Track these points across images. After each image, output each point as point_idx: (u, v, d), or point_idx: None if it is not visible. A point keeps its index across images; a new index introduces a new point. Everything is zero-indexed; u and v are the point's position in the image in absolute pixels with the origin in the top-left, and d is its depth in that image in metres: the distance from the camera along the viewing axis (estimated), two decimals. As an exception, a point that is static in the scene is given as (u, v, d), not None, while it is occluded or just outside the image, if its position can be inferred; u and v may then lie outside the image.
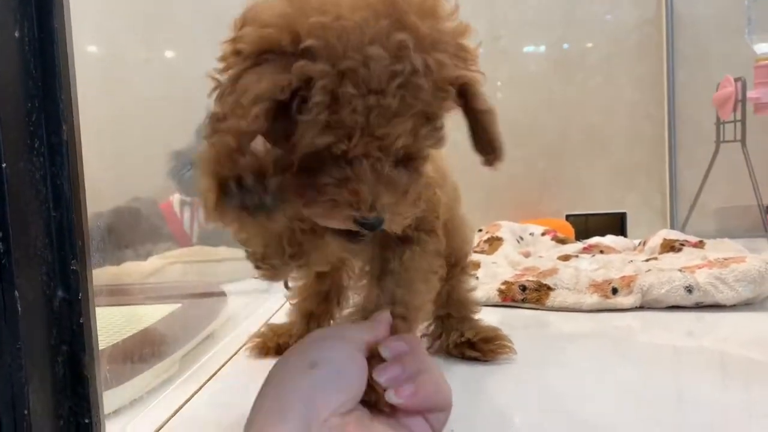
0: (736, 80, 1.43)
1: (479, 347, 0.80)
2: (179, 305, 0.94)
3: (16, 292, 0.47)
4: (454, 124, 1.69)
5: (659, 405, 0.67)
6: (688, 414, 0.65)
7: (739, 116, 1.45)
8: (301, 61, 0.42)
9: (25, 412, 0.48)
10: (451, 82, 0.46)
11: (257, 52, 0.44)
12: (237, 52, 0.45)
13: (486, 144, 0.51)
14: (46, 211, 0.52)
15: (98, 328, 0.78)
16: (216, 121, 0.44)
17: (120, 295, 1.10)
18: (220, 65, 0.47)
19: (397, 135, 0.45)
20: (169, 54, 1.61)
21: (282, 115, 0.44)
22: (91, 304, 0.55)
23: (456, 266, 0.80)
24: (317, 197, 0.47)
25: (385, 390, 0.47)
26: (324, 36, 0.42)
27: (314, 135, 0.44)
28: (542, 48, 1.90)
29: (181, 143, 1.53)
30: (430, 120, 0.46)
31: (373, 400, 0.48)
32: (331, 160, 0.46)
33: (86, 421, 0.54)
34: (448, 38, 0.47)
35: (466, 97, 0.48)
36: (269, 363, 0.83)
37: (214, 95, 0.47)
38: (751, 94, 1.43)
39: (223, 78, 0.47)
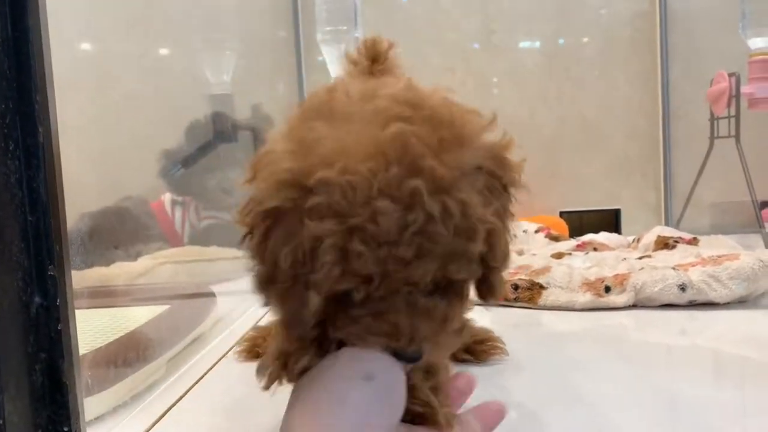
0: (730, 75, 1.42)
1: (471, 349, 0.80)
2: (167, 307, 0.93)
3: (-10, 299, 0.46)
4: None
5: (652, 403, 0.67)
6: (682, 412, 0.65)
7: (733, 112, 1.44)
8: (309, 222, 0.41)
9: (1, 421, 0.47)
10: (480, 219, 0.42)
11: (274, 212, 0.43)
12: (258, 204, 0.44)
13: (486, 293, 0.48)
14: (22, 215, 0.51)
15: (83, 331, 0.77)
16: (263, 284, 0.45)
17: (108, 296, 1.09)
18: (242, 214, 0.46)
19: (421, 275, 0.42)
20: (160, 51, 1.59)
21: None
22: (69, 309, 0.54)
23: None
24: (352, 328, 0.45)
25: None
26: (329, 192, 0.40)
27: (331, 284, 0.42)
28: (536, 43, 1.89)
29: (172, 142, 1.52)
30: (460, 257, 0.42)
31: (407, 420, 0.46)
32: (366, 299, 0.44)
33: (65, 429, 0.53)
34: (478, 163, 0.43)
35: (485, 245, 0.44)
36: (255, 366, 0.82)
37: (247, 243, 0.46)
38: (745, 89, 1.42)
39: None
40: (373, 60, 0.81)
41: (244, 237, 0.46)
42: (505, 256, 0.47)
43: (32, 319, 0.51)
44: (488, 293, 0.48)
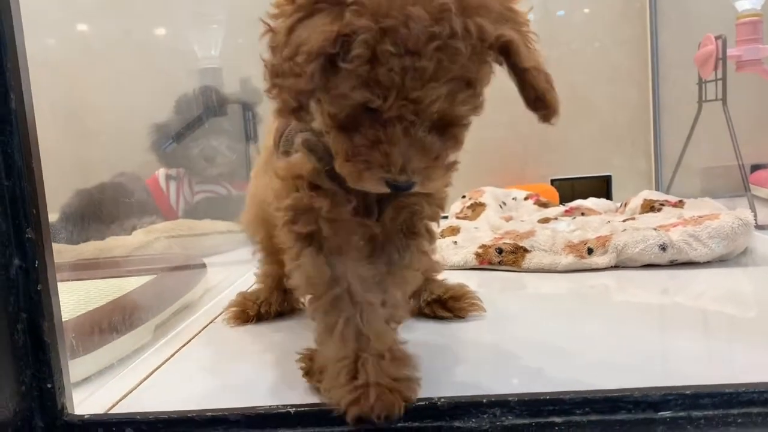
0: (716, 38, 1.41)
1: (450, 306, 0.82)
2: (154, 276, 0.95)
3: (-33, 260, 0.48)
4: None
5: (634, 356, 0.68)
6: (664, 365, 0.66)
7: (720, 75, 1.44)
8: (348, 14, 0.45)
9: (-17, 377, 0.49)
10: (491, 45, 0.47)
11: (311, 2, 0.47)
12: (291, 1, 0.48)
13: (536, 101, 0.52)
14: (-2, 180, 0.52)
15: (75, 301, 0.79)
16: (274, 74, 0.47)
17: (101, 268, 1.11)
18: (274, 10, 0.49)
19: (432, 99, 0.46)
20: (148, 27, 1.60)
21: (332, 67, 0.46)
22: (50, 271, 0.55)
23: None
24: (351, 158, 0.50)
25: None
26: None
27: (351, 88, 0.46)
28: (526, 9, 1.88)
29: (162, 116, 1.53)
30: (468, 86, 0.48)
31: None
32: (368, 122, 0.48)
33: (48, 386, 0.55)
34: (495, 3, 0.48)
35: (509, 55, 0.49)
36: (244, 330, 0.84)
37: (266, 40, 0.49)
38: (731, 51, 1.41)
39: (276, 24, 0.49)
40: None
41: (264, 33, 0.49)
42: (536, 60, 0.51)
43: (12, 280, 0.53)
44: (537, 100, 0.51)
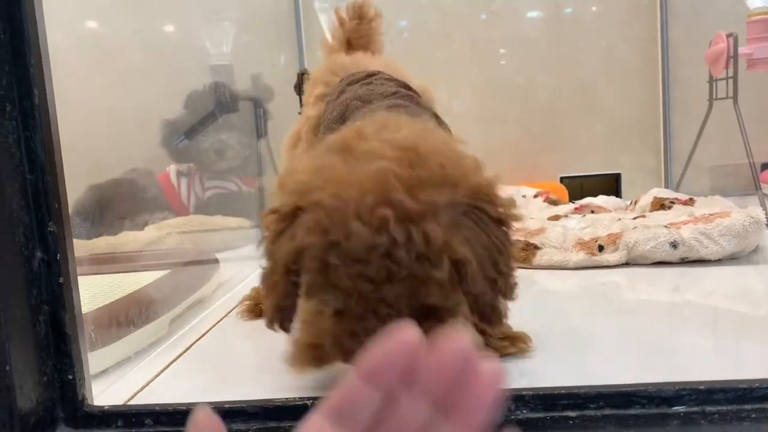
0: (728, 36, 1.41)
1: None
2: (169, 271, 0.96)
3: (-7, 253, 0.49)
4: (449, 92, 1.69)
5: (645, 352, 0.68)
6: (675, 360, 0.66)
7: (731, 73, 1.43)
8: (300, 233, 0.49)
9: (7, 368, 0.50)
10: (444, 252, 0.48)
11: (284, 218, 0.52)
12: (274, 213, 0.53)
13: (480, 317, 0.54)
14: (21, 174, 0.53)
15: (93, 294, 0.80)
16: (265, 276, 0.54)
17: (115, 263, 1.12)
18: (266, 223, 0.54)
19: (394, 297, 0.48)
20: (161, 23, 1.61)
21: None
22: (71, 264, 0.56)
23: None
24: (336, 344, 0.52)
25: None
26: (317, 211, 0.48)
27: (317, 293, 0.51)
28: (536, 8, 1.88)
29: (173, 112, 1.54)
30: (428, 283, 0.48)
31: None
32: (348, 315, 0.50)
33: (69, 377, 0.56)
34: (459, 200, 0.50)
35: (458, 272, 0.50)
36: (257, 324, 0.85)
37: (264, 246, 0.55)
38: (743, 49, 1.41)
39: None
40: (359, 18, 0.89)
41: (262, 240, 0.55)
42: (498, 284, 0.52)
43: (34, 273, 0.54)
44: (483, 319, 0.53)
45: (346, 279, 0.48)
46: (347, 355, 0.50)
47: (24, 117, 0.53)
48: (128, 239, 1.36)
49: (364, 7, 0.90)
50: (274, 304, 0.54)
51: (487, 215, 0.51)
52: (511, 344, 0.81)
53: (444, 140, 0.56)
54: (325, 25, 1.53)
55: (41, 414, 0.54)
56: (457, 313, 0.53)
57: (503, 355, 0.80)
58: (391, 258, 0.47)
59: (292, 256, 0.50)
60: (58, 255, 0.55)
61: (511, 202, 0.54)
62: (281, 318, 0.54)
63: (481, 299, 0.51)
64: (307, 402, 0.56)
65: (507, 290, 0.53)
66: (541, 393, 0.54)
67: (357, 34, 0.93)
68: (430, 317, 0.50)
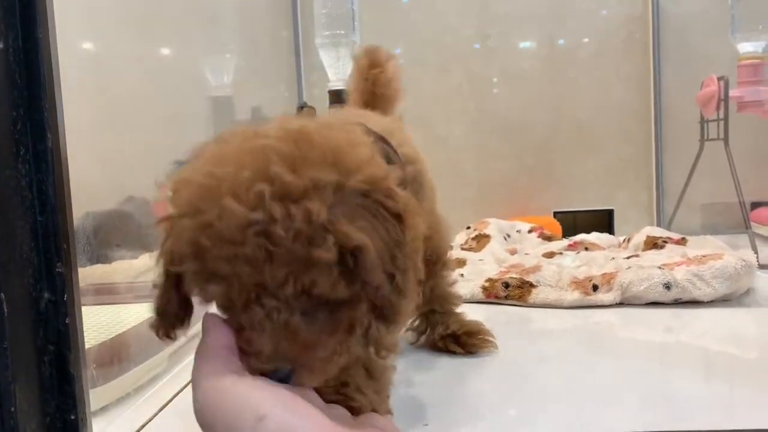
0: (719, 79, 1.44)
1: (463, 341, 0.83)
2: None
3: (3, 294, 0.49)
4: (444, 119, 1.72)
5: (638, 399, 0.69)
6: (668, 407, 0.67)
7: (722, 115, 1.46)
8: (174, 217, 0.45)
9: (12, 409, 0.50)
10: (329, 232, 0.43)
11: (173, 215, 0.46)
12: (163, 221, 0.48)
13: (379, 314, 0.48)
14: (32, 216, 0.54)
15: (87, 327, 0.80)
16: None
17: (109, 293, 1.12)
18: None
19: (277, 282, 0.43)
20: (161, 52, 1.62)
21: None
22: (76, 304, 0.57)
23: (437, 263, 0.83)
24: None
25: None
26: (188, 192, 0.44)
27: (196, 285, 0.45)
28: (532, 45, 1.91)
29: (171, 142, 1.55)
30: (312, 266, 0.43)
31: None
32: (236, 310, 0.45)
33: (72, 417, 0.56)
34: (330, 178, 0.44)
35: (355, 260, 0.44)
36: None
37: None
38: (733, 92, 1.44)
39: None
40: (371, 65, 0.87)
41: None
42: (398, 282, 0.46)
43: (41, 313, 0.55)
44: (380, 317, 0.47)
45: (222, 263, 0.43)
46: (247, 354, 0.45)
47: (37, 160, 0.54)
48: (122, 267, 1.36)
49: (375, 52, 0.88)
50: (155, 309, 0.49)
51: (384, 208, 0.46)
52: (480, 342, 0.83)
53: (352, 139, 0.49)
54: (325, 61, 1.55)
55: (43, 455, 0.54)
56: (356, 310, 0.46)
57: (475, 352, 0.82)
58: (268, 237, 0.42)
59: (169, 255, 0.46)
60: (65, 295, 0.55)
61: (408, 199, 0.49)
62: (164, 325, 0.49)
63: (380, 293, 0.46)
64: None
65: (405, 288, 0.47)
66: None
67: (376, 84, 0.88)
68: (318, 315, 0.45)
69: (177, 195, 0.46)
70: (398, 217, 0.47)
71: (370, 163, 0.47)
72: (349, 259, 0.44)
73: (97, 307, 0.97)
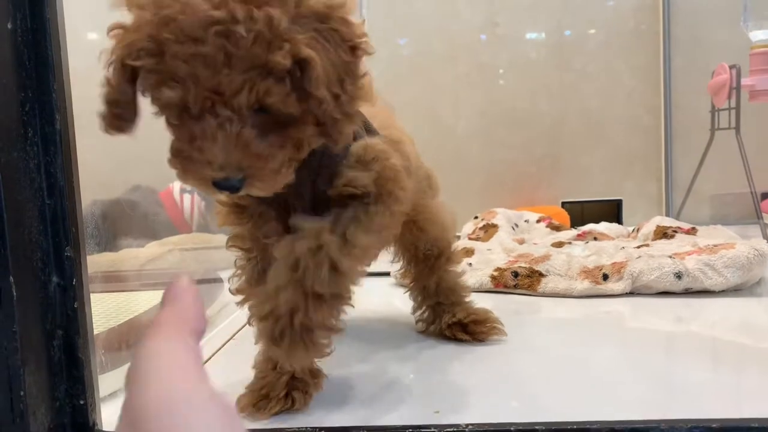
0: (730, 67, 1.43)
1: (471, 329, 0.82)
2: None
3: (11, 278, 0.49)
4: (451, 109, 1.71)
5: (648, 388, 0.69)
6: (677, 396, 0.67)
7: (733, 104, 1.45)
8: (133, 11, 0.46)
9: (21, 393, 0.50)
10: (286, 41, 0.45)
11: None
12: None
13: (319, 125, 0.50)
14: (40, 199, 0.54)
15: (95, 314, 0.80)
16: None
17: (117, 281, 1.12)
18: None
19: (233, 89, 0.45)
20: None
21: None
22: (85, 289, 0.56)
23: (440, 257, 0.82)
24: (176, 155, 0.49)
25: None
26: None
27: (152, 86, 0.46)
28: (541, 34, 1.90)
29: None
30: (269, 75, 0.45)
31: None
32: (187, 119, 0.47)
33: (81, 402, 0.56)
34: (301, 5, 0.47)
35: (302, 73, 0.46)
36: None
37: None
38: (745, 81, 1.43)
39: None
40: None
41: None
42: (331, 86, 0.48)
43: (50, 297, 0.54)
44: (324, 134, 0.50)
45: (181, 63, 0.44)
46: (196, 163, 0.47)
47: (45, 142, 0.53)
48: (130, 256, 1.36)
49: None
50: (107, 100, 0.49)
51: (339, 36, 0.48)
52: (489, 330, 0.83)
53: None
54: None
55: (52, 439, 0.54)
56: (304, 130, 0.49)
57: (483, 340, 0.82)
58: (228, 38, 0.43)
59: (127, 48, 0.46)
60: (74, 280, 0.55)
61: (365, 33, 0.51)
62: (113, 114, 0.49)
63: (323, 107, 0.47)
64: (318, 430, 0.56)
65: (349, 108, 0.49)
66: (554, 428, 0.54)
67: None
68: (270, 128, 0.48)
69: None
70: (353, 48, 0.49)
71: None
72: (297, 70, 0.46)
73: (105, 294, 0.97)
